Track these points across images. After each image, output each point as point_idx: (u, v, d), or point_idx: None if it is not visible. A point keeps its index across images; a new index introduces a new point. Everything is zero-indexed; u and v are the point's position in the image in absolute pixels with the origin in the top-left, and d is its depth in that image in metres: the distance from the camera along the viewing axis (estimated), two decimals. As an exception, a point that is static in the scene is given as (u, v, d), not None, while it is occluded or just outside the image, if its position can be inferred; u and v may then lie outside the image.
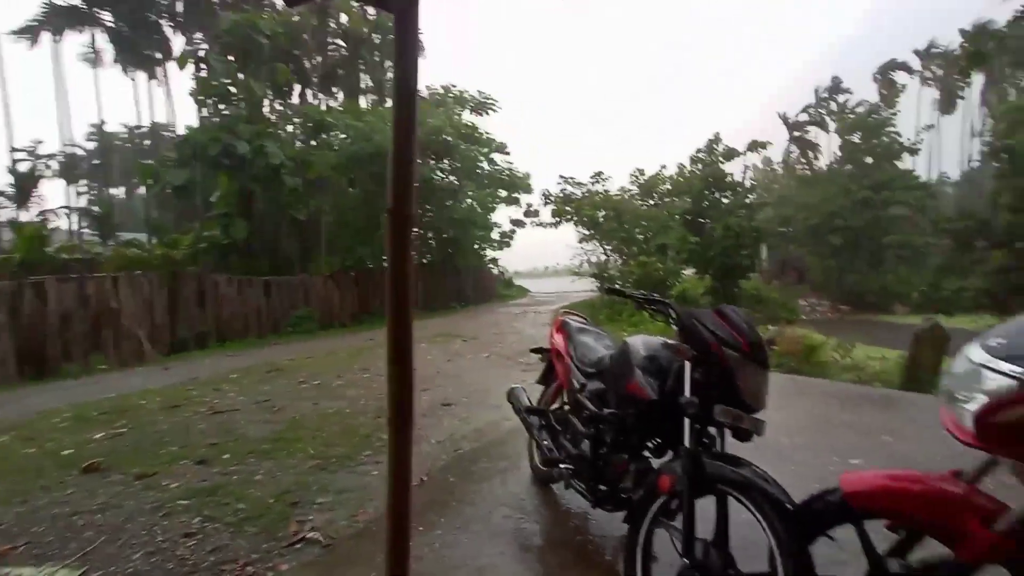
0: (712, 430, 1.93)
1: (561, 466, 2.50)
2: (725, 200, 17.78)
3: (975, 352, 1.27)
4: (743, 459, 1.75)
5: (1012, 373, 1.16)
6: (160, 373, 8.02)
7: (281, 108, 16.94)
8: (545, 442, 2.76)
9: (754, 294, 18.24)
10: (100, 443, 4.39)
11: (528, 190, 20.84)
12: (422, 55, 22.71)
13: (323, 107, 18.89)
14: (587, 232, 17.22)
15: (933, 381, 5.72)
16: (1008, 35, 13.77)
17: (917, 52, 36.27)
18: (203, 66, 14.40)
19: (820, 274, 28.36)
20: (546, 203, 19.15)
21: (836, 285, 27.41)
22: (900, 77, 36.12)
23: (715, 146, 19.58)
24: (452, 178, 18.02)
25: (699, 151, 19.80)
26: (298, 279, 13.50)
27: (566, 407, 2.78)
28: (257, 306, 12.31)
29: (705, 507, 1.73)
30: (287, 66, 14.29)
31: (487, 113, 19.66)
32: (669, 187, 18.65)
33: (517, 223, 22.58)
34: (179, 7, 22.57)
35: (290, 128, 16.74)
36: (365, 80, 21.29)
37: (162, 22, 23.26)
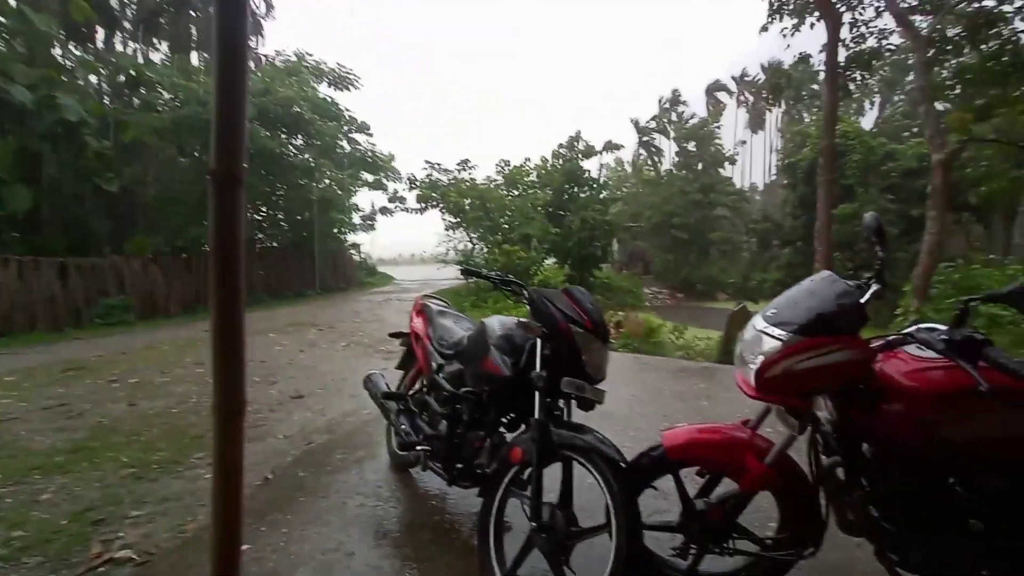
0: (560, 402, 2.06)
1: (418, 448, 2.46)
2: (583, 195, 19.12)
3: (758, 321, 1.53)
4: (586, 426, 1.90)
5: (778, 336, 1.42)
6: None
7: (80, 54, 13.88)
8: (403, 426, 2.70)
9: (606, 283, 20.04)
10: None
11: (393, 173, 20.10)
12: (270, 14, 20.41)
13: (140, 59, 15.98)
14: (453, 220, 17.22)
15: (738, 353, 6.88)
16: (791, 73, 17.43)
17: (733, 78, 42.90)
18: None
19: (661, 266, 32.21)
20: (411, 188, 18.69)
21: (674, 275, 31.39)
22: (723, 96, 42.46)
23: (576, 143, 20.89)
24: (307, 156, 16.59)
25: (561, 146, 20.96)
26: (108, 261, 11.28)
27: (424, 391, 2.75)
28: (49, 294, 10.02)
29: (554, 475, 1.84)
30: (84, 2, 11.58)
31: (348, 88, 18.42)
32: (533, 179, 19.46)
33: (384, 210, 21.71)
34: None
35: (93, 79, 13.83)
36: (198, 34, 18.40)
37: None
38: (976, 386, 1.16)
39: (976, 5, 8.86)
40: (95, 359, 6.85)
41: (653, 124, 38.73)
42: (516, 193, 18.45)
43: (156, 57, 17.19)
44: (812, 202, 19.95)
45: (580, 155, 20.73)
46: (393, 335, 3.28)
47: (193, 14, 17.87)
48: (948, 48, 9.39)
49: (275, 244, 17.43)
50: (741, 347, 1.56)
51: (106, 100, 13.84)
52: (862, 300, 1.39)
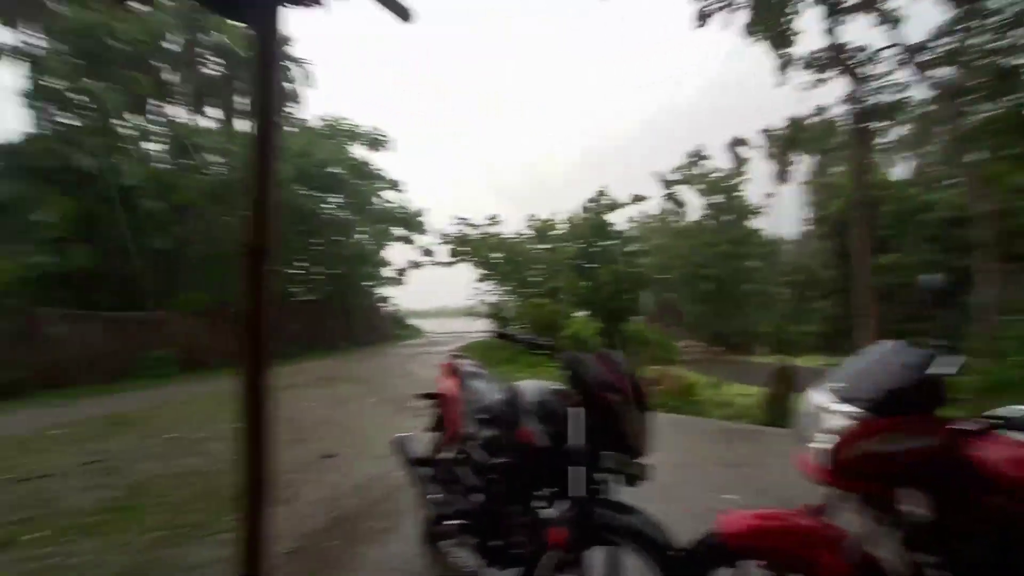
0: (602, 476, 1.94)
1: (452, 521, 2.34)
2: (610, 247, 19.17)
3: (817, 396, 1.42)
4: (631, 505, 1.77)
5: (851, 414, 1.30)
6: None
7: (139, 123, 15.17)
8: (434, 496, 2.59)
9: (637, 335, 19.65)
10: None
11: (422, 228, 20.71)
12: (309, 84, 22.01)
13: (194, 127, 17.35)
14: (483, 273, 17.45)
15: (786, 415, 6.49)
16: (810, 127, 17.65)
17: (761, 132, 43.28)
18: (39, 65, 12.38)
19: (693, 318, 31.54)
20: (443, 243, 19.17)
21: (707, 328, 30.64)
22: (745, 151, 42.80)
23: (602, 196, 21.23)
24: (342, 213, 17.34)
25: (589, 201, 21.31)
26: (155, 315, 11.80)
27: (456, 456, 2.65)
28: (101, 347, 10.48)
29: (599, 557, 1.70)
30: (148, 78, 12.78)
31: (380, 149, 19.44)
32: (561, 233, 19.71)
33: (414, 264, 22.24)
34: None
35: (151, 146, 15.02)
36: (244, 104, 19.99)
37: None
38: None
39: (992, 59, 8.78)
40: (137, 413, 7.00)
41: (678, 176, 39.15)
42: (546, 246, 18.66)
43: (205, 123, 18.65)
44: (847, 253, 19.45)
45: (606, 209, 21.00)
46: (423, 396, 3.22)
47: (240, 86, 19.54)
48: (971, 99, 9.27)
49: (309, 298, 17.91)
50: (802, 424, 1.43)
51: (159, 164, 14.94)
52: (940, 372, 1.27)
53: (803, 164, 39.74)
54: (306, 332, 16.19)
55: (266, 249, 1.10)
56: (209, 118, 19.29)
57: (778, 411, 6.72)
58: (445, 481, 2.58)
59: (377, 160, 19.15)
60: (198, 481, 4.14)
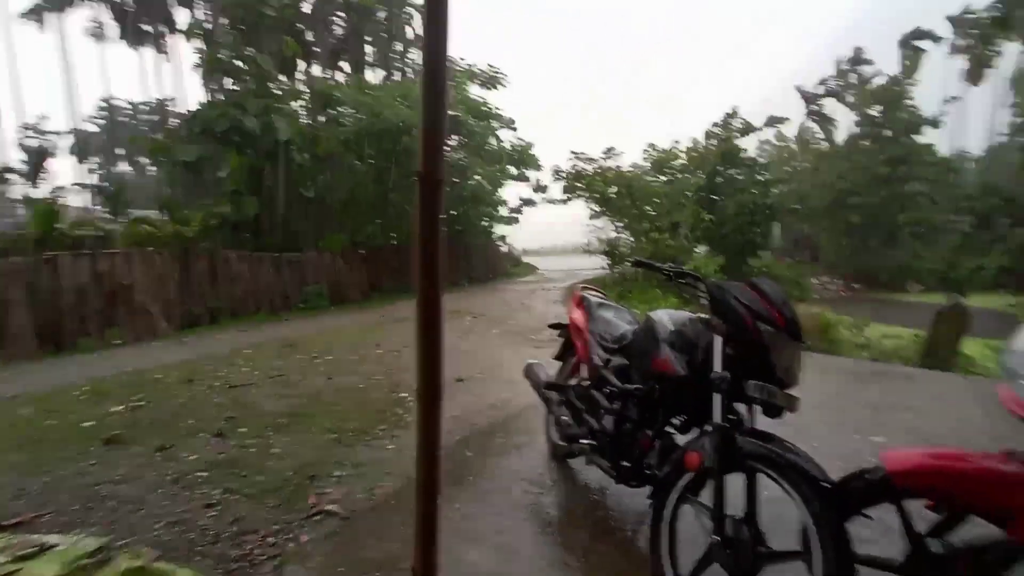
0: (741, 406, 1.89)
1: (582, 441, 2.47)
2: (739, 177, 17.42)
3: None
4: (774, 435, 1.71)
5: None
6: (175, 348, 8.11)
7: (287, 83, 16.68)
8: (564, 417, 2.74)
9: (766, 272, 18.04)
10: (120, 416, 4.44)
11: (536, 166, 20.53)
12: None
13: (330, 82, 18.62)
14: (598, 209, 16.99)
15: (954, 359, 5.63)
16: None
17: (951, 18, 34.57)
18: (208, 39, 14.15)
19: (833, 252, 27.91)
20: (556, 179, 18.88)
21: (849, 263, 26.97)
22: (926, 46, 34.65)
23: (731, 121, 19.11)
24: (461, 155, 17.77)
25: (715, 126, 19.34)
26: (308, 256, 13.49)
27: (585, 383, 2.74)
28: (268, 282, 12.34)
29: (731, 484, 1.69)
30: (293, 40, 13.96)
31: (496, 87, 19.24)
32: (683, 163, 18.28)
33: (527, 201, 22.34)
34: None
35: (297, 103, 16.53)
36: (371, 54, 20.89)
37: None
38: None
39: None
40: (303, 337, 8.24)
41: (823, 89, 33.37)
42: (664, 178, 17.51)
43: (340, 78, 19.93)
44: (1065, 167, 15.46)
45: (737, 134, 18.88)
46: (552, 326, 3.34)
47: (368, 39, 20.36)
48: None
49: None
50: (1013, 359, 1.24)
51: (304, 119, 16.43)
52: None
53: (1011, 54, 31.32)
54: (431, 270, 17.38)
55: (439, 180, 1.18)
56: (341, 72, 20.63)
57: (941, 355, 5.86)
58: (575, 405, 2.71)
59: (492, 99, 19.09)
60: (355, 395, 4.82)
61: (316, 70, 19.75)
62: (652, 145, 18.19)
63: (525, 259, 28.54)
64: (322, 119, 16.10)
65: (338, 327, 9.43)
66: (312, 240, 14.43)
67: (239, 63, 13.46)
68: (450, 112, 16.25)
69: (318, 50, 19.07)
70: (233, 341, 8.30)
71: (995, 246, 20.83)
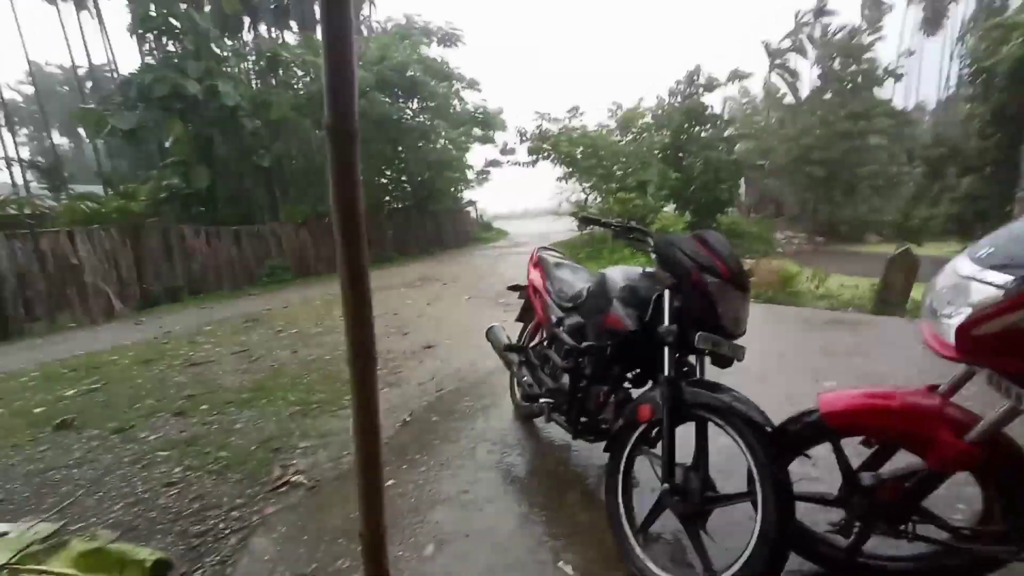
0: (691, 357, 1.92)
1: (541, 400, 2.50)
2: (704, 134, 17.42)
3: (963, 264, 1.23)
4: (722, 384, 1.75)
5: (999, 283, 1.12)
6: (132, 328, 7.81)
7: (232, 44, 15.63)
8: (525, 378, 2.75)
9: (732, 228, 18.38)
10: (72, 400, 4.28)
11: (502, 127, 20.06)
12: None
13: (280, 42, 17.54)
14: (565, 170, 16.83)
15: (904, 305, 5.90)
16: None
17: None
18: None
19: (797, 207, 28.59)
20: (522, 141, 18.52)
21: (812, 217, 27.71)
22: (887, -1, 34.79)
23: (695, 77, 18.93)
24: (423, 118, 17.18)
25: (678, 83, 19.15)
26: (268, 228, 13.03)
27: (545, 343, 2.76)
28: (228, 257, 11.92)
29: (683, 433, 1.74)
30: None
31: (455, 45, 18.49)
32: (648, 121, 18.14)
33: (493, 163, 21.91)
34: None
35: (245, 66, 15.55)
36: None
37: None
38: None
39: None
40: (265, 312, 8.04)
41: (788, 43, 33.38)
42: (630, 137, 17.39)
43: (290, 38, 18.78)
44: (1012, 115, 15.98)
45: (701, 90, 18.76)
46: (511, 288, 3.32)
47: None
48: None
49: (400, 205, 18.62)
50: (933, 296, 1.27)
51: (255, 83, 15.53)
52: None
53: (965, 4, 31.87)
54: (399, 237, 17.10)
55: (353, 132, 1.07)
56: (291, 31, 19.41)
57: (893, 301, 6.13)
58: (535, 365, 2.72)
59: (452, 57, 18.37)
60: (321, 367, 4.76)
61: (265, 31, 18.58)
62: (617, 104, 17.96)
63: (496, 224, 28.30)
64: (273, 82, 15.26)
65: (303, 299, 9.23)
66: (273, 211, 13.93)
67: (174, 22, 12.48)
68: (408, 72, 15.61)
69: (265, 8, 17.87)
70: (194, 318, 8.04)
71: (944, 195, 21.67)
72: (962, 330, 1.14)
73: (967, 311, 1.15)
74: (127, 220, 10.15)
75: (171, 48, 13.24)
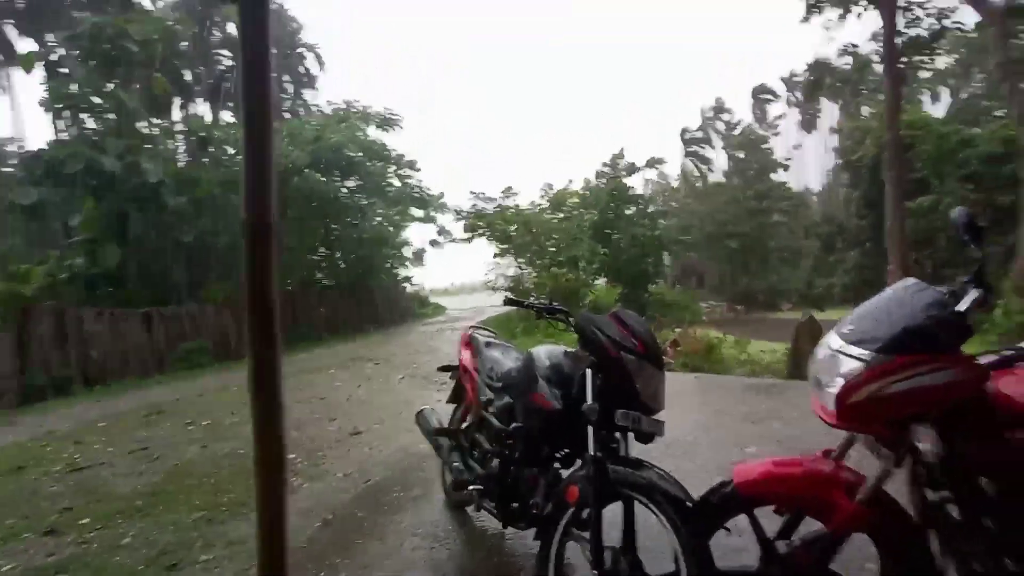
0: (617, 435, 1.94)
1: (471, 488, 2.38)
2: (629, 212, 18.83)
3: (832, 339, 1.37)
4: (645, 461, 1.76)
5: (860, 356, 1.25)
6: (3, 430, 6.76)
7: (160, 122, 15.38)
8: (456, 464, 2.64)
9: (659, 298, 19.45)
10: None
11: (441, 208, 20.65)
12: (321, 69, 21.89)
13: (211, 120, 17.50)
14: (501, 247, 17.39)
15: (811, 368, 6.37)
16: (834, 67, 16.83)
17: (783, 79, 41.26)
18: (58, 72, 12.65)
19: (717, 277, 31.01)
20: (458, 219, 19.11)
21: (731, 287, 30.09)
22: (772, 99, 40.88)
23: (618, 161, 20.79)
24: (359, 196, 17.38)
25: (604, 165, 20.92)
26: (185, 308, 12.18)
27: (475, 426, 2.68)
28: (137, 342, 10.89)
29: (616, 512, 1.71)
30: (163, 77, 12.94)
31: (392, 129, 19.27)
32: (577, 200, 19.41)
33: (433, 243, 22.25)
34: (20, 4, 19.60)
35: (172, 144, 15.25)
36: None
37: (-1, 20, 20.08)
38: None
39: None
40: (175, 402, 7.29)
41: (700, 134, 37.91)
42: (562, 216, 18.43)
43: (226, 116, 18.81)
44: (878, 200, 18.57)
45: (623, 172, 20.56)
46: (442, 368, 3.26)
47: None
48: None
49: (333, 283, 18.19)
50: (815, 369, 1.39)
51: (182, 160, 15.17)
52: (961, 308, 1.21)
53: (831, 110, 37.87)
54: (331, 316, 16.50)
55: (270, 223, 1.06)
56: (228, 110, 19.47)
57: (803, 365, 6.62)
58: (464, 449, 2.63)
59: (390, 140, 19.06)
60: (235, 463, 4.31)
61: (203, 108, 18.54)
62: (549, 185, 19.19)
63: (433, 299, 28.18)
64: (205, 160, 15.00)
65: (221, 386, 8.50)
66: (192, 291, 13.11)
67: (95, 99, 12.15)
68: (344, 151, 15.95)
69: (198, 88, 17.95)
70: (85, 414, 7.14)
71: (838, 266, 24.43)
72: (838, 399, 1.26)
73: (840, 382, 1.27)
74: (14, 303, 9.13)
75: (91, 125, 12.77)
